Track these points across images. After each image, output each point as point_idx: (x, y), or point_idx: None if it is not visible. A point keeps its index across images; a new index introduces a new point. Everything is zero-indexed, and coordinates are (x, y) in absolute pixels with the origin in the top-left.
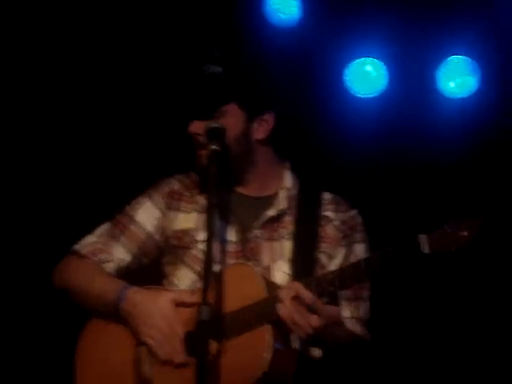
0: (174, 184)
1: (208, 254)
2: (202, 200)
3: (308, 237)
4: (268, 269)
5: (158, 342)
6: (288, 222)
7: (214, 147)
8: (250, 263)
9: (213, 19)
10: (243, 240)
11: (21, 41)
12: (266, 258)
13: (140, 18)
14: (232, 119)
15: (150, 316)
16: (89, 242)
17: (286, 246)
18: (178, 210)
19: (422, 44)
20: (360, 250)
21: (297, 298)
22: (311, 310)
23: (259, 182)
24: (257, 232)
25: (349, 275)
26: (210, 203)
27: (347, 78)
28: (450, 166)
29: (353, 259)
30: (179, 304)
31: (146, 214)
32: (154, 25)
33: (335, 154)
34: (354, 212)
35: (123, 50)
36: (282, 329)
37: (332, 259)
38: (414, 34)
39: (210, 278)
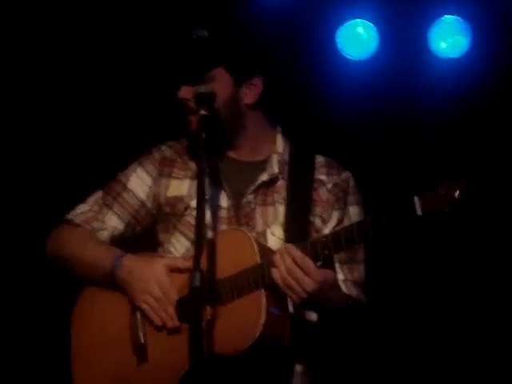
0: (166, 151)
1: (199, 219)
2: (194, 166)
3: (301, 201)
4: (262, 234)
5: (152, 308)
6: (281, 186)
7: (203, 112)
8: (242, 228)
9: None
10: (236, 205)
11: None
12: (259, 223)
13: None
14: (220, 84)
15: (144, 282)
16: (82, 211)
17: (280, 211)
18: (170, 176)
19: (412, 5)
20: (354, 213)
21: (291, 262)
22: (305, 273)
23: (250, 146)
24: (250, 197)
25: (343, 238)
26: (199, 169)
27: (339, 41)
28: (441, 127)
29: (347, 222)
30: (174, 270)
31: (139, 182)
32: None
33: (327, 117)
34: (346, 174)
35: (112, 14)
36: (276, 293)
37: (326, 222)
38: None
39: (202, 244)
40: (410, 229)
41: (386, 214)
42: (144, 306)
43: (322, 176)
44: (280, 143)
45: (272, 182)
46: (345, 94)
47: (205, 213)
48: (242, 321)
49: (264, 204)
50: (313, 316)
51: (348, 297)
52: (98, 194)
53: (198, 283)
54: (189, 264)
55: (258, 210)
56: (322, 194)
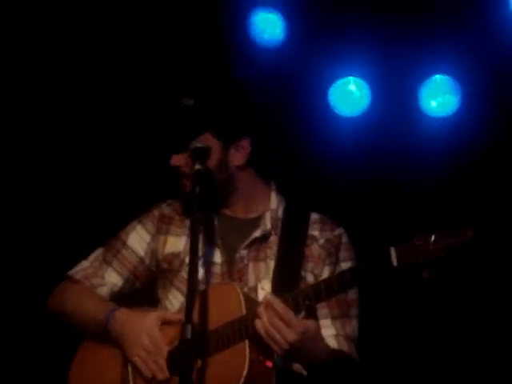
0: (165, 208)
1: (191, 273)
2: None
3: (292, 256)
4: (254, 289)
5: (143, 360)
6: (273, 242)
7: (198, 167)
8: (232, 282)
9: (195, 40)
10: (229, 261)
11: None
12: (251, 279)
13: (118, 47)
14: None
15: (136, 335)
16: (82, 268)
17: (271, 266)
18: (167, 233)
19: (403, 63)
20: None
21: (273, 313)
22: (287, 324)
23: (245, 203)
24: (243, 253)
25: (323, 289)
26: (192, 224)
27: (331, 98)
28: (431, 184)
29: None
30: (165, 322)
31: (138, 239)
32: (133, 57)
33: (319, 173)
34: (339, 230)
35: (107, 81)
36: (260, 344)
37: (318, 278)
38: (396, 54)
39: (195, 298)
40: (388, 279)
41: (364, 266)
42: (135, 358)
43: (315, 232)
44: (274, 200)
45: (265, 237)
46: (337, 151)
47: (197, 267)
48: (227, 371)
49: (256, 259)
50: (301, 368)
51: (335, 351)
52: (99, 251)
53: (188, 336)
54: (179, 316)
55: (251, 266)
56: (314, 249)
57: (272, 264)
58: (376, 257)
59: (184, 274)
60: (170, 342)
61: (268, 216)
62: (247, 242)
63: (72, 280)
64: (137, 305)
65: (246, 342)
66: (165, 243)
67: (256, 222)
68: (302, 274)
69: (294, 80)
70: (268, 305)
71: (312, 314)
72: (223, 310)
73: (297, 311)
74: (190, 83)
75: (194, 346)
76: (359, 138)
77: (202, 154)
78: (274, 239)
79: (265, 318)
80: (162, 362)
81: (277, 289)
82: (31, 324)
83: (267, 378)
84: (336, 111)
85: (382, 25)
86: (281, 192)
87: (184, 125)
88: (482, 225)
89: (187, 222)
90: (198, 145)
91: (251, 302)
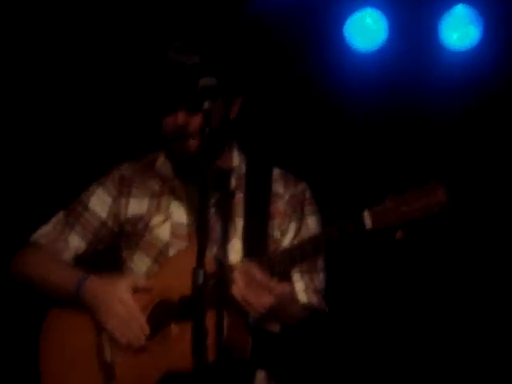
0: (125, 170)
1: (202, 215)
2: (153, 185)
3: (259, 214)
4: (223, 249)
5: (118, 328)
6: (239, 200)
7: (206, 106)
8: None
9: None
10: (196, 221)
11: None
12: (219, 237)
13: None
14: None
15: (109, 303)
16: (45, 232)
17: (239, 225)
18: (129, 195)
19: None
20: (312, 223)
21: (249, 278)
22: (263, 288)
23: (211, 162)
24: (209, 212)
25: (298, 254)
26: (204, 176)
27: (346, 32)
28: (451, 121)
29: (304, 232)
30: (136, 290)
31: (99, 202)
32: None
33: (335, 110)
34: (302, 185)
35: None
36: (236, 309)
37: (284, 234)
38: None
39: (205, 244)
40: (361, 242)
41: (338, 230)
42: (109, 326)
43: (279, 189)
44: (236, 158)
45: (230, 196)
46: (352, 86)
47: (207, 212)
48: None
49: (223, 218)
50: (276, 327)
51: (308, 307)
52: (60, 215)
53: (200, 281)
54: (151, 283)
55: (218, 225)
56: (280, 206)
57: (239, 223)
58: (350, 220)
59: (148, 237)
60: (142, 309)
61: (232, 174)
62: (213, 200)
63: (36, 245)
64: (99, 265)
65: (222, 308)
66: (127, 205)
67: (220, 181)
68: (269, 231)
69: (308, 14)
70: (243, 269)
71: (287, 278)
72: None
73: (272, 275)
74: (196, 39)
75: (205, 292)
76: (375, 74)
77: (210, 93)
78: (239, 197)
79: (240, 283)
80: (137, 329)
81: (247, 248)
82: None
83: (244, 340)
84: (352, 46)
85: None
86: (242, 150)
87: (193, 83)
88: (457, 182)
89: (149, 183)
90: (207, 82)
91: (223, 267)
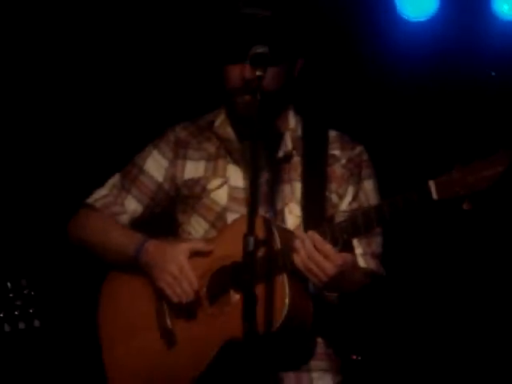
0: (180, 132)
1: (252, 188)
2: (209, 147)
3: (317, 178)
4: (280, 212)
5: (169, 284)
6: (296, 163)
7: (259, 73)
8: (262, 215)
9: None
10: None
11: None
12: (278, 202)
13: None
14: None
15: (164, 263)
16: (101, 195)
17: (297, 188)
18: (185, 158)
19: None
20: (369, 187)
21: (311, 247)
22: (325, 257)
23: (267, 124)
24: (266, 175)
25: (361, 223)
26: (253, 139)
27: (398, 2)
28: (505, 93)
29: (362, 196)
30: (195, 253)
31: (155, 164)
32: None
33: (384, 79)
34: (359, 148)
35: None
36: (298, 276)
37: (342, 198)
38: None
39: (256, 211)
40: (427, 212)
41: (404, 200)
42: (162, 283)
43: (335, 151)
44: (292, 120)
45: (287, 158)
46: (403, 56)
47: (259, 176)
48: (268, 306)
49: (281, 182)
50: (334, 297)
51: (367, 273)
52: (116, 178)
53: (251, 248)
54: (211, 247)
55: (276, 188)
56: (337, 169)
57: (297, 186)
58: (415, 190)
59: (206, 200)
60: (201, 276)
61: (288, 136)
62: (271, 163)
63: (92, 208)
64: (156, 229)
65: (285, 275)
66: (183, 168)
67: (276, 143)
68: (327, 194)
69: None
70: (305, 239)
71: (349, 247)
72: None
73: (333, 245)
74: None
75: (256, 258)
76: (427, 44)
77: (263, 60)
78: (296, 160)
79: (303, 252)
80: (187, 287)
81: (306, 212)
82: (53, 254)
83: (307, 310)
84: (403, 16)
85: None
86: (298, 112)
87: (262, 36)
88: None
89: (205, 145)
90: (260, 50)
91: (284, 234)
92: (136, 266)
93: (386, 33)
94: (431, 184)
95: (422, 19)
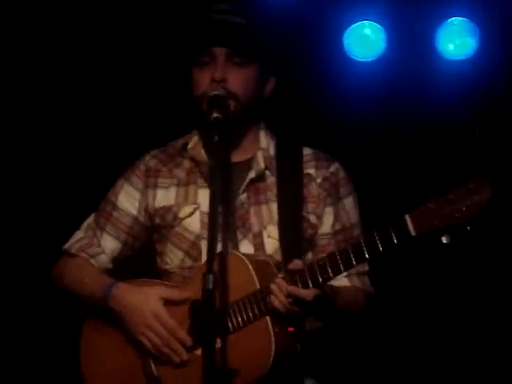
0: (150, 161)
1: (211, 223)
2: (180, 173)
3: (293, 198)
4: (259, 235)
5: (156, 345)
6: (272, 183)
7: (215, 115)
8: (239, 253)
9: None
10: (230, 209)
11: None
12: (255, 224)
13: None
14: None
15: (144, 319)
16: (77, 239)
17: (274, 210)
18: (156, 186)
19: (420, 6)
20: (348, 205)
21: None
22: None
23: (235, 145)
24: (242, 197)
25: (341, 263)
26: (211, 170)
27: (346, 42)
28: (449, 129)
29: (344, 215)
30: (169, 302)
31: (127, 198)
32: None
33: (333, 119)
34: (334, 166)
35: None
36: (280, 316)
37: (321, 219)
38: None
39: (215, 248)
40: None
41: (380, 238)
42: (146, 341)
43: (310, 170)
44: (263, 139)
45: (261, 178)
46: (351, 95)
47: (217, 214)
48: (253, 350)
49: (257, 203)
50: (317, 324)
51: (356, 291)
52: (91, 218)
53: (210, 286)
54: (184, 295)
55: (252, 210)
56: (313, 189)
57: (274, 207)
58: (391, 227)
59: (178, 229)
60: (182, 321)
61: (260, 155)
62: (244, 185)
63: (68, 254)
64: (137, 259)
65: (267, 318)
66: (154, 197)
67: (248, 164)
68: (305, 215)
69: (308, 23)
70: (282, 287)
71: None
72: (235, 282)
73: (314, 285)
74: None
75: (215, 296)
76: (375, 83)
77: (219, 102)
78: (271, 180)
79: (281, 296)
80: (177, 345)
81: (285, 236)
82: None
83: (292, 346)
84: (351, 55)
85: None
86: (270, 130)
87: (234, 40)
88: (497, 176)
89: (175, 172)
90: (217, 92)
91: (262, 270)
92: (105, 310)
93: (333, 72)
94: (407, 218)
95: (369, 59)
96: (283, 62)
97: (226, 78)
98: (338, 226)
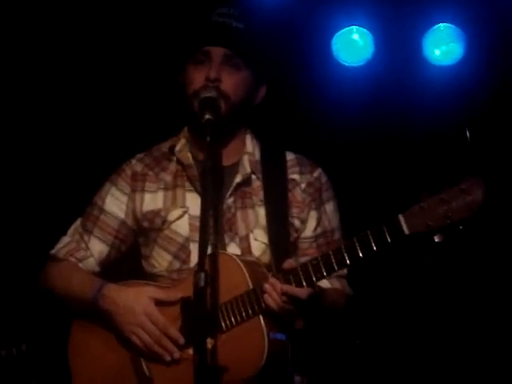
0: (136, 165)
1: (203, 221)
2: (166, 177)
3: (279, 202)
4: (245, 238)
5: (148, 344)
6: (258, 187)
7: (207, 117)
8: (231, 253)
9: None
10: (218, 212)
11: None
12: (241, 228)
13: None
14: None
15: (134, 315)
16: (64, 244)
17: (260, 213)
18: (143, 190)
19: (407, 12)
20: (329, 209)
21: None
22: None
23: (225, 150)
24: (229, 201)
25: (334, 262)
26: (204, 172)
27: (334, 47)
28: (437, 132)
29: (325, 221)
30: (160, 302)
31: (114, 202)
32: None
33: (320, 122)
34: (318, 171)
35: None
36: (272, 316)
37: (305, 223)
38: (400, 2)
39: (206, 247)
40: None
41: (374, 237)
42: (137, 340)
43: (295, 175)
44: (249, 144)
45: (247, 182)
46: (339, 99)
47: (208, 215)
48: (245, 348)
49: (244, 207)
50: (300, 323)
51: (336, 292)
52: (78, 223)
53: (202, 283)
54: (176, 295)
55: (239, 214)
56: (297, 194)
57: (261, 211)
58: (384, 226)
59: (167, 232)
60: (174, 320)
61: (246, 159)
62: (231, 189)
63: (55, 259)
64: (121, 264)
65: (260, 317)
66: (142, 201)
67: (235, 168)
68: (290, 219)
69: (297, 29)
70: (276, 286)
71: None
72: (227, 282)
73: (308, 284)
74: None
75: (207, 294)
76: (362, 88)
77: (211, 104)
78: (257, 184)
79: (275, 295)
80: (169, 344)
81: (272, 239)
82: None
83: (283, 344)
84: (339, 60)
85: None
86: (255, 135)
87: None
88: (488, 176)
89: (162, 175)
90: (208, 94)
91: (254, 270)
92: (95, 311)
93: (322, 76)
94: (401, 218)
95: (357, 64)
96: (275, 68)
97: (220, 78)
98: (319, 230)
